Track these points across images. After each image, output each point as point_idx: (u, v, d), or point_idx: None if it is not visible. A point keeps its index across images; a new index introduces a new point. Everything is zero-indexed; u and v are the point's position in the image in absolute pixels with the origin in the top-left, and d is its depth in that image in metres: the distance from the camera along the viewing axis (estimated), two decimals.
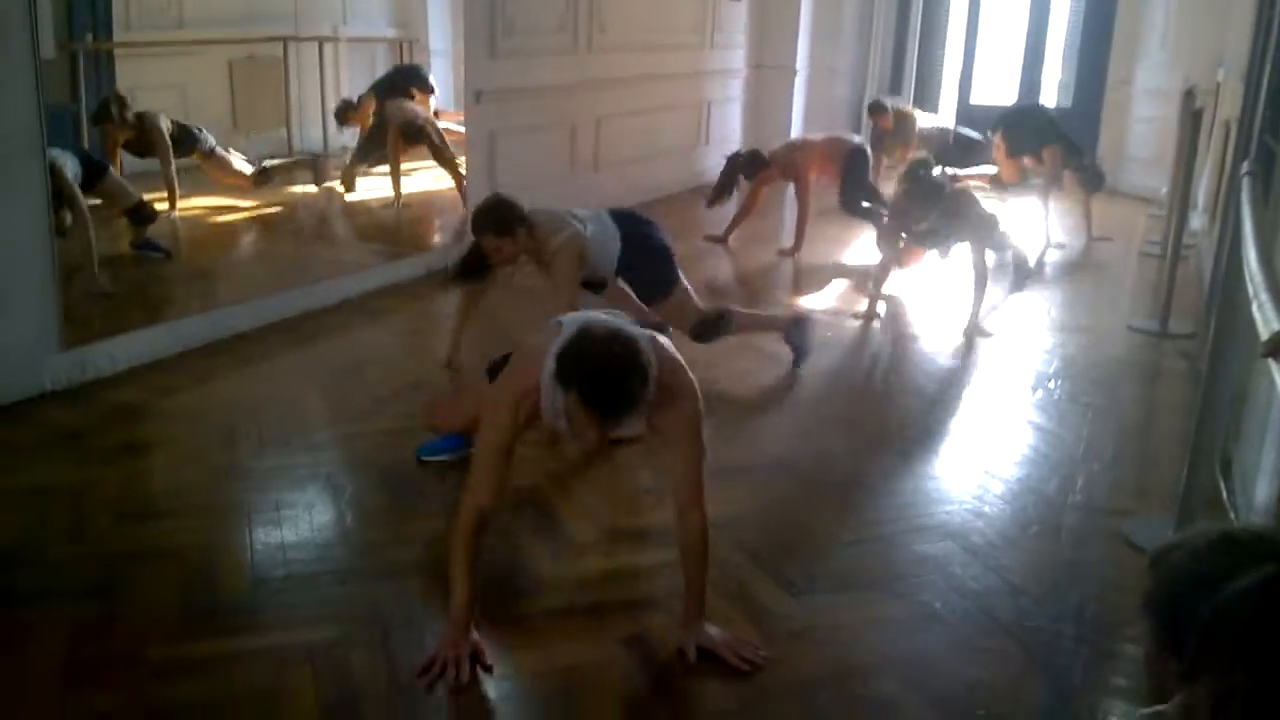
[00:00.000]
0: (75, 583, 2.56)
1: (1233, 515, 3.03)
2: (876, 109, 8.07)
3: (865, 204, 6.58)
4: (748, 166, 6.44)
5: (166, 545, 2.75)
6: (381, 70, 8.25)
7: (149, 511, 2.97)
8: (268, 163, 6.46)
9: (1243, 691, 1.04)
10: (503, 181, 6.06)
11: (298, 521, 2.92)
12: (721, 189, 6.43)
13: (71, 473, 3.17)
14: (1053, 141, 6.99)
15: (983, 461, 3.52)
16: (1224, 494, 3.16)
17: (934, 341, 4.84)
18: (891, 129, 7.94)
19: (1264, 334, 1.91)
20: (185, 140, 5.88)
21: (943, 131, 8.23)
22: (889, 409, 4.01)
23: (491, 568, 2.70)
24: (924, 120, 8.21)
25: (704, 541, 2.33)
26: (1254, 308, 2.10)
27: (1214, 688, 1.06)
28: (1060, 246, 6.77)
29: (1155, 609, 1.19)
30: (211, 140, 6.00)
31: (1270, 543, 1.14)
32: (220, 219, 6.14)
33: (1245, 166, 3.17)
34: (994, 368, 4.54)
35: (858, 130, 8.57)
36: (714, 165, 8.75)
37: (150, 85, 6.09)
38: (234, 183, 6.21)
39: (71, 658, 2.26)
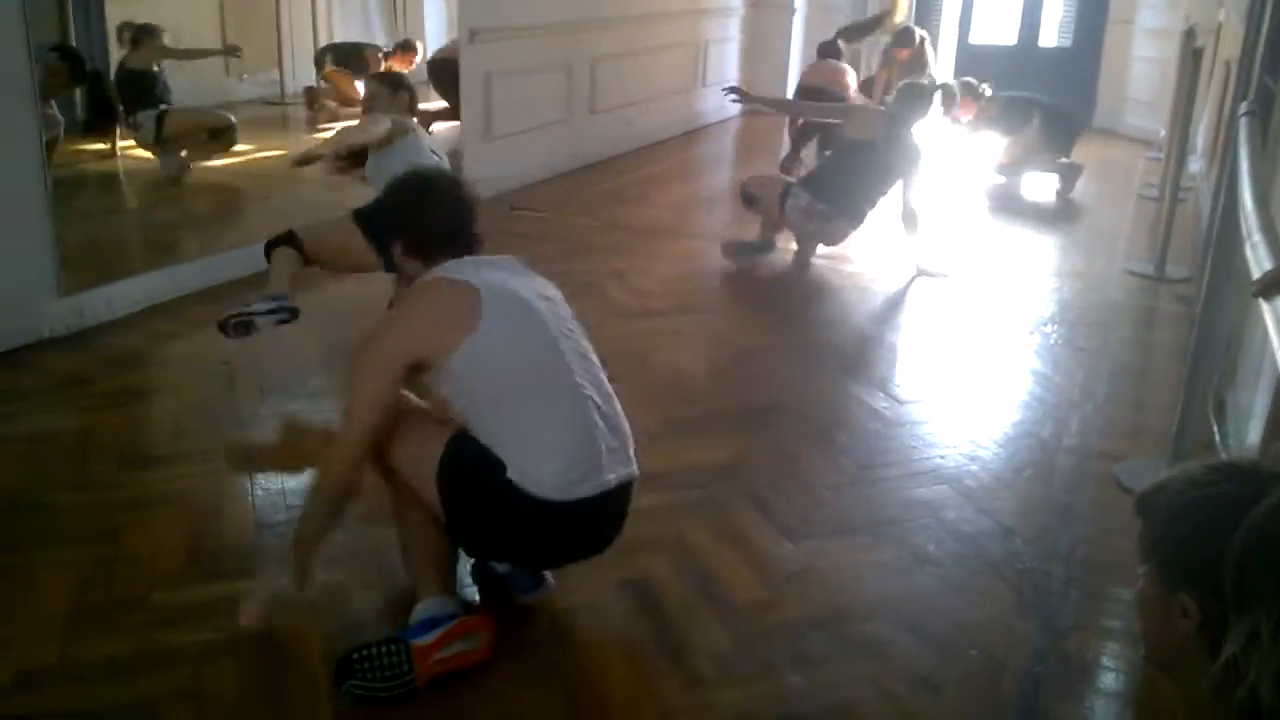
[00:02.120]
0: (79, 529, 2.59)
1: (1224, 456, 3.06)
2: (906, 38, 7.76)
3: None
4: None
5: (169, 491, 2.78)
6: (374, 8, 8.14)
7: (151, 457, 2.99)
8: None
9: None
10: (499, 125, 6.03)
11: None
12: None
13: (73, 419, 3.19)
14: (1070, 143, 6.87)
15: (977, 405, 3.55)
16: (1216, 436, 3.19)
17: (932, 286, 4.84)
18: (907, 62, 7.68)
19: (1255, 274, 1.92)
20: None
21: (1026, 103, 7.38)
22: (885, 354, 4.03)
23: None
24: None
25: None
26: (1247, 247, 2.11)
27: (1269, 614, 0.97)
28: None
29: (1157, 547, 1.13)
30: None
31: (1274, 466, 1.10)
32: (219, 163, 6.09)
33: (1244, 107, 3.16)
34: (990, 311, 4.56)
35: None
36: (711, 108, 8.72)
37: (141, 20, 6.00)
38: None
39: (76, 603, 2.30)
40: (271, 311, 3.41)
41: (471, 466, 2.07)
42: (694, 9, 8.33)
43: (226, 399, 3.38)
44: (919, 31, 8.03)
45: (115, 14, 6.05)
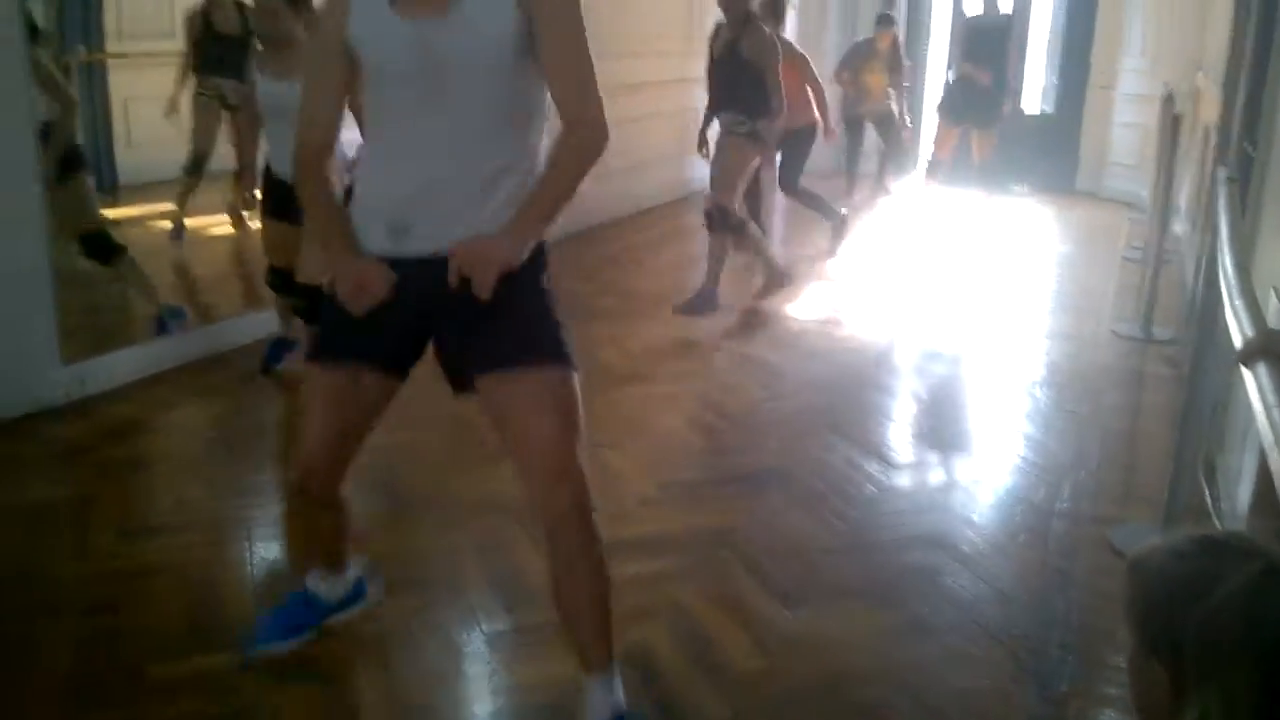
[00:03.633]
0: (79, 599, 2.60)
1: (1217, 521, 3.09)
2: (886, 21, 7.96)
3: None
4: None
5: (168, 561, 2.79)
6: None
7: (151, 527, 3.00)
8: None
9: (1250, 692, 1.01)
10: None
11: None
12: None
13: (74, 488, 3.21)
14: None
15: (971, 470, 3.58)
16: (1208, 499, 3.22)
17: (921, 350, 4.90)
18: (885, 52, 7.94)
19: (1237, 340, 1.97)
20: None
21: None
22: (878, 417, 4.07)
23: (486, 579, 2.76)
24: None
25: (591, 150, 1.98)
26: (1229, 312, 2.16)
27: (1219, 692, 1.03)
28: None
29: (1139, 614, 1.17)
30: None
31: (1252, 542, 1.14)
32: (219, 232, 6.15)
33: (1223, 173, 3.24)
34: (981, 375, 4.61)
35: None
36: (701, 175, 8.81)
37: (143, 96, 6.10)
38: None
39: (75, 674, 2.30)
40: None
41: None
42: (685, 78, 8.49)
43: (229, 468, 3.40)
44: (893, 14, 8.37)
45: (118, 83, 6.16)
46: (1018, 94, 8.01)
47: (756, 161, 5.26)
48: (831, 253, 6.55)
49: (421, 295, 1.93)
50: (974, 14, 7.15)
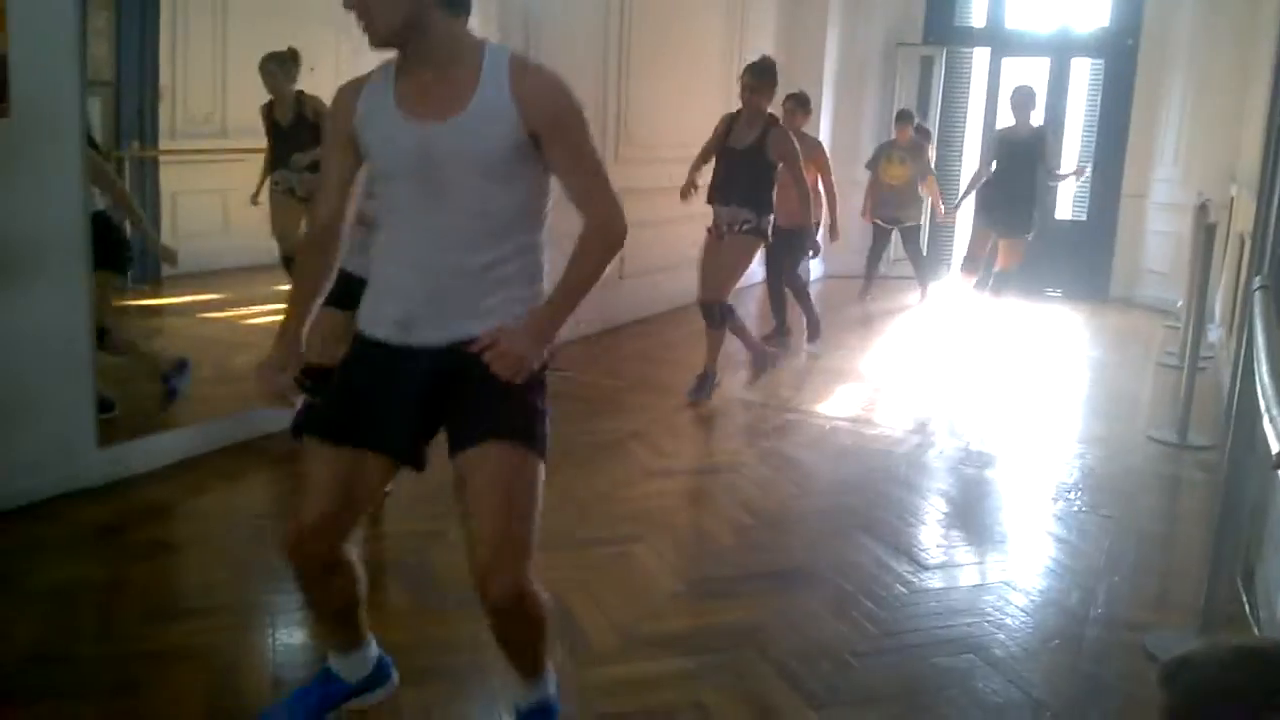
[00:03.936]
0: (102, 681, 2.59)
1: (1256, 628, 3.02)
2: (905, 117, 8.36)
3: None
4: None
5: (192, 645, 2.78)
6: None
7: (176, 611, 3.00)
8: None
9: None
10: None
11: None
12: None
13: (103, 569, 3.22)
14: None
15: (1003, 572, 3.52)
16: (1246, 607, 3.15)
17: (953, 451, 4.86)
18: (904, 143, 8.27)
19: (1275, 447, 1.95)
20: None
21: None
22: (909, 517, 4.02)
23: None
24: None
25: (604, 248, 2.10)
26: (1265, 421, 2.15)
27: None
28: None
29: None
30: None
31: None
32: (254, 322, 6.27)
33: (1257, 281, 3.24)
34: (1014, 477, 4.56)
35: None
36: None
37: (192, 190, 6.31)
38: None
39: None
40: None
41: None
42: None
43: (256, 552, 3.41)
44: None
45: (169, 178, 6.37)
46: (1048, 209, 8.11)
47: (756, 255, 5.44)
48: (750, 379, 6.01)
49: (426, 382, 2.05)
50: (1005, 126, 7.27)
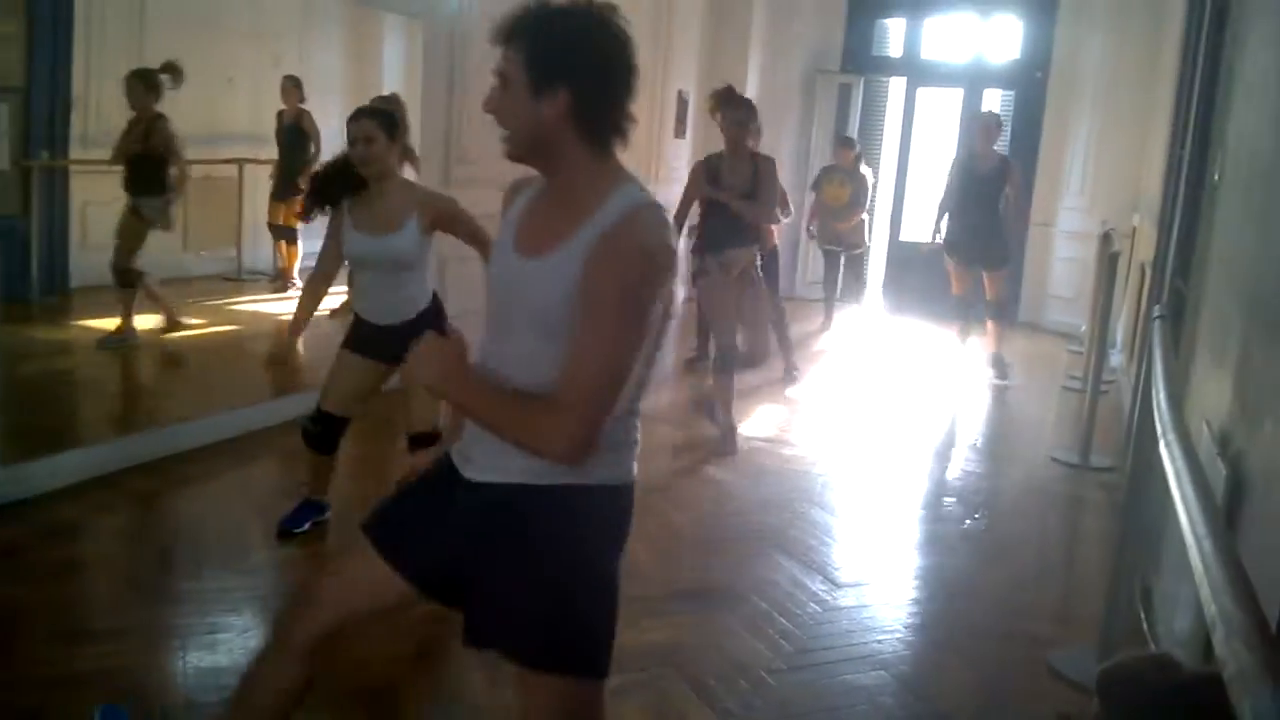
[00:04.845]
0: (5, 706, 2.51)
1: (1152, 644, 3.14)
2: (846, 142, 8.38)
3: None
4: None
5: (98, 668, 2.72)
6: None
7: (82, 634, 2.92)
8: None
9: None
10: (452, 309, 6.17)
11: (232, 645, 2.91)
12: None
13: (3, 591, 3.13)
14: None
15: (913, 590, 3.61)
16: (1144, 624, 3.26)
17: (865, 472, 4.96)
18: (845, 167, 8.30)
19: (1170, 472, 2.04)
20: None
21: None
22: (823, 536, 4.09)
23: (424, 694, 2.72)
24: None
25: (538, 437, 1.68)
26: (1162, 446, 2.24)
27: None
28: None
29: None
30: None
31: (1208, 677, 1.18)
32: (166, 336, 6.14)
33: (1157, 310, 3.37)
34: (922, 497, 4.67)
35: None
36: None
37: (102, 201, 6.16)
38: None
39: None
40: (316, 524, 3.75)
41: None
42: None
43: (166, 574, 3.34)
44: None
45: (79, 188, 6.22)
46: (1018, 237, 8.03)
47: None
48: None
49: (469, 521, 1.79)
50: (967, 155, 7.13)
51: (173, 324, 6.03)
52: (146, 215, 5.71)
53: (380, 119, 3.41)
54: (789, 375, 6.60)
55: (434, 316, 3.52)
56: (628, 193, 1.70)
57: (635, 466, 1.86)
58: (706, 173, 5.17)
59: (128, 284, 5.78)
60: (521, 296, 1.74)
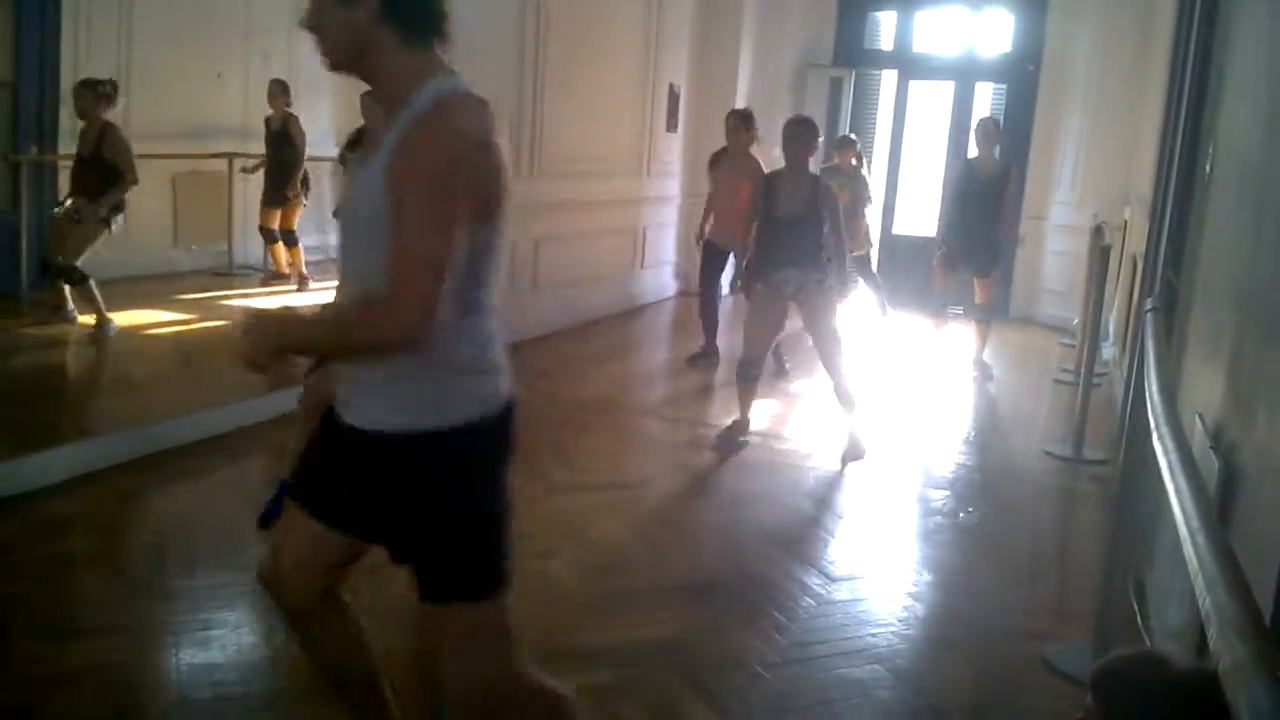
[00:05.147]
0: None
1: (1146, 638, 3.14)
2: (845, 143, 7.95)
3: None
4: None
5: (90, 665, 2.71)
6: (327, 190, 8.41)
7: (73, 630, 2.91)
8: None
9: None
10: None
11: (225, 642, 2.90)
12: None
13: None
14: None
15: (907, 584, 3.61)
16: (1138, 617, 3.27)
17: (859, 466, 4.96)
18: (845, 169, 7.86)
19: (1163, 464, 2.04)
20: None
21: None
22: (818, 530, 4.10)
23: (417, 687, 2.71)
24: None
25: (371, 331, 1.70)
26: (1155, 438, 2.24)
27: None
28: None
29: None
30: None
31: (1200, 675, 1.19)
32: (156, 332, 6.12)
33: (1149, 303, 3.38)
34: (916, 491, 4.68)
35: None
36: (649, 289, 9.02)
37: None
38: None
39: None
40: None
41: None
42: (634, 198, 8.71)
43: (157, 569, 3.33)
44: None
45: (68, 183, 6.19)
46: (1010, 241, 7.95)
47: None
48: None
49: (354, 466, 1.83)
50: (970, 158, 7.10)
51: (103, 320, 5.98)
52: (84, 218, 5.71)
53: None
54: (779, 369, 6.61)
55: None
56: (442, 84, 1.73)
57: (503, 387, 1.87)
58: (765, 190, 5.12)
59: (76, 281, 5.79)
60: (354, 208, 1.78)
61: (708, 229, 6.85)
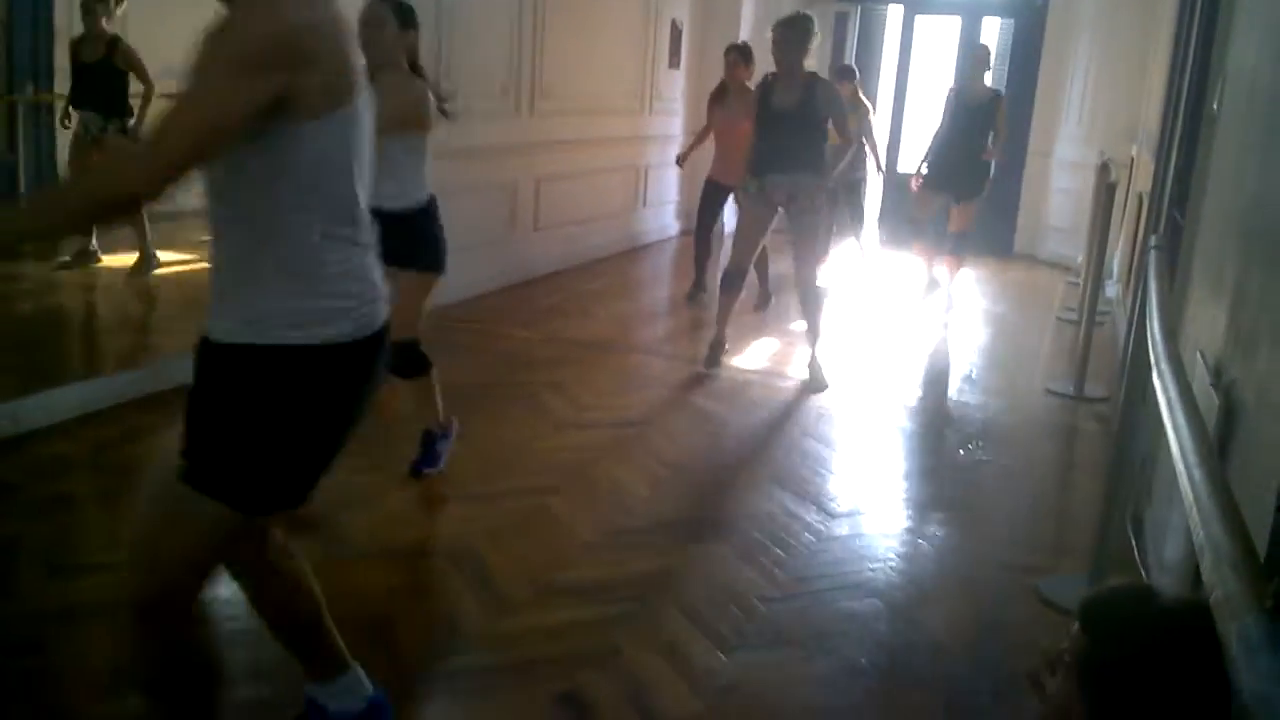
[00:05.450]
0: (5, 641, 2.54)
1: (1144, 573, 3.17)
2: (845, 73, 7.87)
3: None
4: None
5: (99, 600, 2.73)
6: None
7: (80, 566, 2.94)
8: None
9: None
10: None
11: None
12: None
13: (1, 526, 3.14)
14: None
15: (907, 520, 3.64)
16: (1135, 552, 3.30)
17: (860, 403, 4.97)
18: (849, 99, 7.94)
19: (1163, 402, 2.04)
20: None
21: None
22: (817, 467, 4.12)
23: (420, 624, 2.75)
24: None
25: (104, 183, 1.72)
26: (1155, 375, 2.25)
27: None
28: None
29: (1103, 666, 1.21)
30: None
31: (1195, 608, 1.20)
32: (166, 271, 6.10)
33: (1153, 241, 3.36)
34: (917, 428, 4.69)
35: None
36: (651, 228, 8.97)
37: None
38: None
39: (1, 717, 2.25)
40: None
41: None
42: (635, 135, 8.63)
43: None
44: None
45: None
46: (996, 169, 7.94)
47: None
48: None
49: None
50: (960, 86, 7.13)
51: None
52: (93, 132, 5.62)
53: (394, 4, 3.34)
54: (763, 300, 6.63)
55: (426, 215, 3.51)
56: None
57: (356, 324, 1.81)
58: (762, 88, 5.16)
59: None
60: None
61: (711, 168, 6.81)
